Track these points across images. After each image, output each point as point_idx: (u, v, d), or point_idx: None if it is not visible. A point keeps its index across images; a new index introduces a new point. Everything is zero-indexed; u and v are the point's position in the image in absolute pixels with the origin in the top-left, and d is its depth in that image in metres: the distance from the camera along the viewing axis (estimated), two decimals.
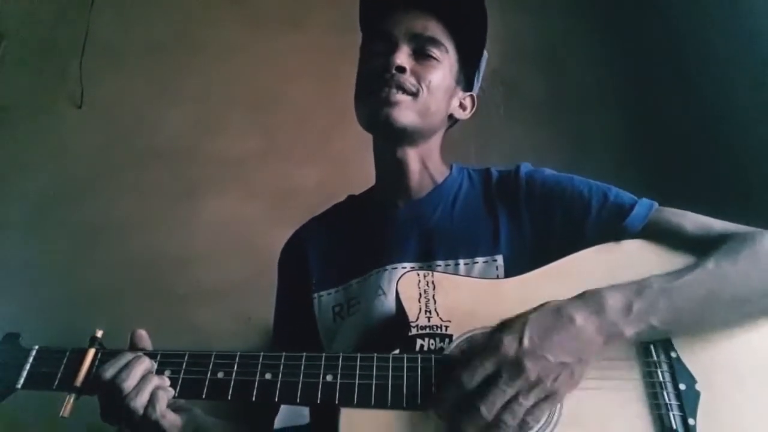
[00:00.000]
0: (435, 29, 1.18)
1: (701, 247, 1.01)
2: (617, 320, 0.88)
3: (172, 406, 0.96)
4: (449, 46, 1.20)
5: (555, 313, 0.88)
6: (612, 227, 1.07)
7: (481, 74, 1.31)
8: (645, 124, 2.68)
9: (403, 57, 1.14)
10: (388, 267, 1.15)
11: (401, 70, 1.13)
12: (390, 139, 1.19)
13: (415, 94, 1.14)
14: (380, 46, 1.18)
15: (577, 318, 0.87)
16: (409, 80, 1.13)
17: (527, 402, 0.82)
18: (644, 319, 0.89)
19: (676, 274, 0.93)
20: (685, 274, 0.93)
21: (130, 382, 0.91)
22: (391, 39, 1.17)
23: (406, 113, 1.13)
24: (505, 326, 0.88)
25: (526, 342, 0.84)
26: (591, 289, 0.91)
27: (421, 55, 1.17)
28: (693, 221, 1.06)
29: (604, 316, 0.87)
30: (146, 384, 0.92)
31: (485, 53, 1.28)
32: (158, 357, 0.97)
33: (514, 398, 0.82)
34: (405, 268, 1.12)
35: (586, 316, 0.87)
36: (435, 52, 1.17)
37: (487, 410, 0.81)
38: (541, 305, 0.90)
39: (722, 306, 0.94)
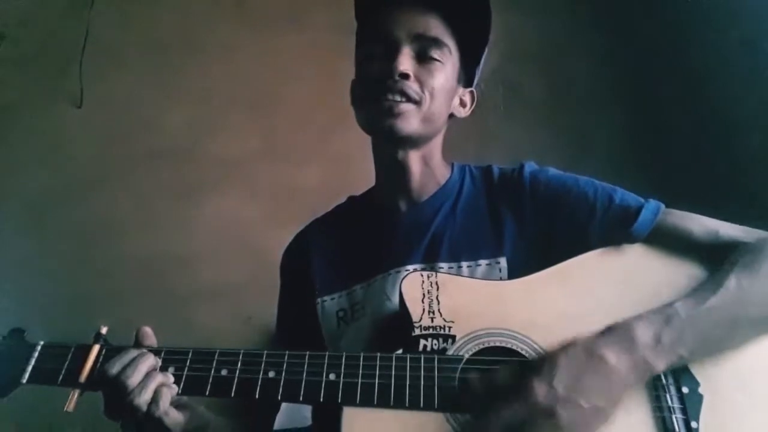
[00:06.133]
0: (437, 29, 1.13)
1: (707, 253, 1.00)
2: (648, 355, 0.86)
3: (175, 404, 0.95)
4: (452, 45, 1.15)
5: (586, 354, 0.85)
6: (618, 231, 1.06)
7: (481, 68, 1.27)
8: (646, 123, 2.68)
9: (406, 62, 1.10)
10: (392, 272, 1.14)
11: (405, 76, 1.09)
12: (391, 144, 1.17)
13: (418, 102, 1.10)
14: (380, 47, 1.14)
15: (609, 358, 0.84)
16: (412, 87, 1.09)
17: None
18: (674, 351, 0.87)
19: (700, 297, 0.92)
20: (708, 296, 0.91)
21: (134, 379, 0.91)
22: (392, 40, 1.12)
23: (410, 122, 1.10)
24: (534, 367, 0.86)
25: (558, 388, 0.82)
26: (619, 322, 0.89)
27: (423, 57, 1.13)
28: (700, 225, 1.05)
29: (636, 353, 0.85)
30: (150, 381, 0.92)
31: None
32: (162, 354, 0.98)
33: None
34: (409, 272, 1.10)
35: (617, 353, 0.85)
36: (438, 53, 1.13)
37: None
38: (569, 343, 0.87)
39: (744, 327, 0.93)
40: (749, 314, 0.93)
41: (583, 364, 0.84)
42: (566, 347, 0.87)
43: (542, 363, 0.86)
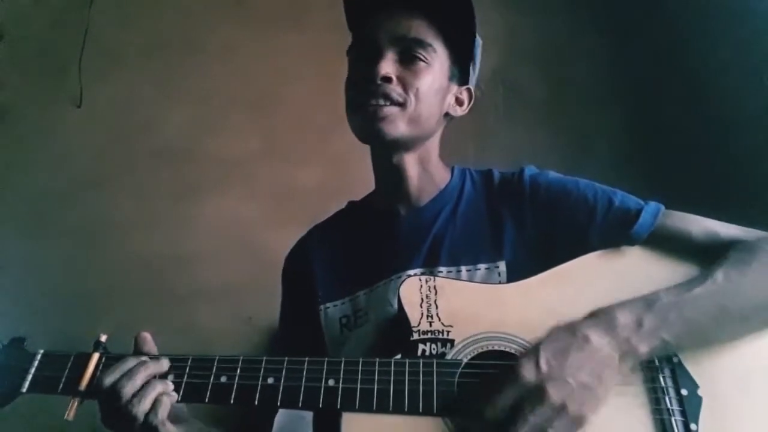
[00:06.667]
0: (420, 29, 1.12)
1: (707, 254, 1.00)
2: (629, 336, 0.87)
3: (173, 417, 0.95)
4: (437, 44, 1.14)
5: (569, 334, 0.86)
6: (618, 234, 1.07)
7: (477, 63, 1.26)
8: (646, 124, 2.68)
9: (387, 65, 1.10)
10: (394, 277, 1.14)
11: (387, 80, 1.09)
12: (385, 149, 1.17)
13: (402, 104, 1.10)
14: (364, 52, 1.14)
15: (591, 337, 0.85)
16: (395, 90, 1.10)
17: (555, 430, 0.80)
18: (656, 335, 0.88)
19: (685, 287, 0.93)
20: (694, 286, 0.92)
21: (129, 389, 0.91)
22: (375, 45, 1.12)
23: (396, 125, 1.10)
24: (521, 355, 0.87)
25: (543, 366, 0.82)
26: (601, 307, 0.90)
27: (407, 59, 1.12)
28: (699, 227, 1.05)
29: (616, 334, 0.86)
30: (149, 390, 0.91)
31: (479, 40, 1.23)
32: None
33: (541, 428, 0.79)
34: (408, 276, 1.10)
35: (599, 334, 0.86)
36: (422, 54, 1.12)
37: None
38: (553, 328, 0.88)
39: (732, 319, 0.93)
40: (737, 306, 0.93)
41: (566, 343, 0.85)
42: (550, 331, 0.88)
43: (528, 349, 0.87)
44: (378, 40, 1.13)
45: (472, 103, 1.26)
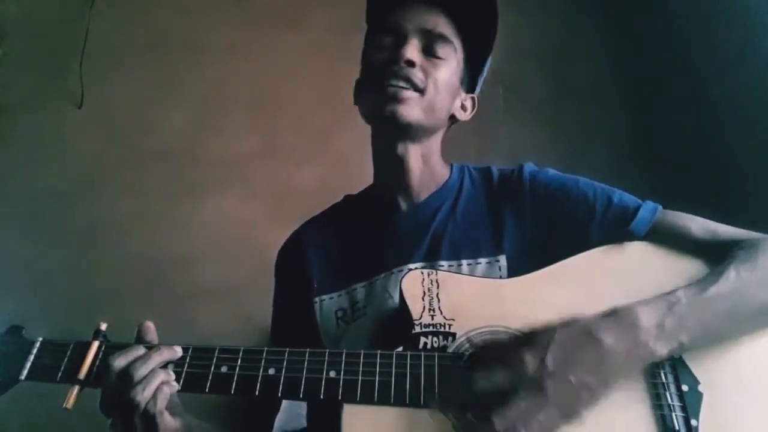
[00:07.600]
0: (445, 26, 1.17)
1: (707, 251, 1.01)
2: (649, 340, 0.85)
3: (170, 410, 0.94)
4: (457, 44, 1.19)
5: (583, 333, 0.85)
6: (616, 230, 1.07)
7: (484, 77, 1.30)
8: (645, 123, 2.68)
9: (413, 51, 1.13)
10: (395, 271, 1.14)
11: (410, 63, 1.11)
12: (392, 134, 1.17)
13: (422, 91, 1.12)
14: (389, 39, 1.17)
15: (606, 339, 0.84)
16: (417, 75, 1.12)
17: (544, 420, 0.79)
18: (675, 337, 0.87)
19: (702, 286, 0.92)
20: (709, 286, 0.91)
21: (142, 371, 0.91)
22: (401, 32, 1.15)
23: (412, 109, 1.11)
24: (530, 338, 0.85)
25: (549, 364, 0.81)
26: (623, 306, 0.88)
27: (429, 52, 1.15)
28: (698, 225, 1.06)
29: (637, 337, 0.85)
30: (153, 378, 0.91)
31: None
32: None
33: (531, 414, 0.79)
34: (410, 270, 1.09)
35: (616, 336, 0.84)
36: (444, 49, 1.16)
37: (500, 423, 0.78)
38: (570, 320, 0.87)
39: (742, 319, 0.93)
40: (748, 305, 0.93)
41: (578, 343, 0.84)
42: (565, 325, 0.86)
43: (538, 336, 0.85)
44: (404, 27, 1.16)
45: (474, 111, 1.29)
